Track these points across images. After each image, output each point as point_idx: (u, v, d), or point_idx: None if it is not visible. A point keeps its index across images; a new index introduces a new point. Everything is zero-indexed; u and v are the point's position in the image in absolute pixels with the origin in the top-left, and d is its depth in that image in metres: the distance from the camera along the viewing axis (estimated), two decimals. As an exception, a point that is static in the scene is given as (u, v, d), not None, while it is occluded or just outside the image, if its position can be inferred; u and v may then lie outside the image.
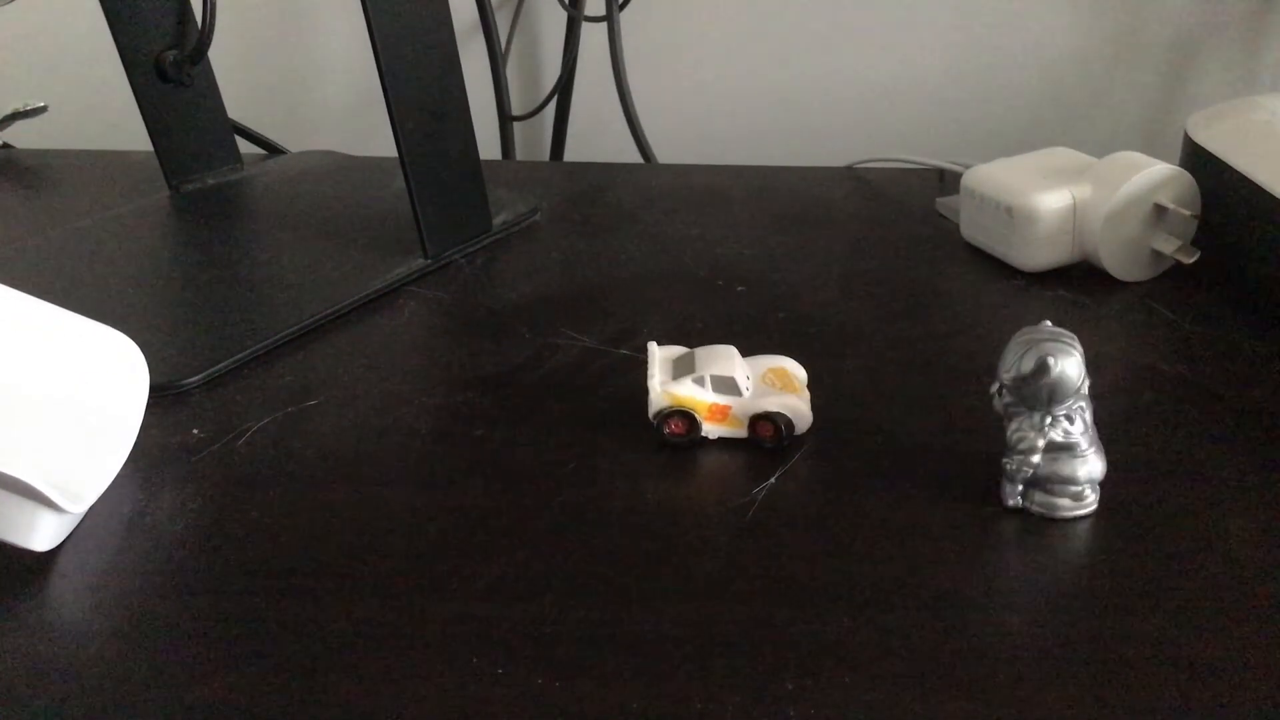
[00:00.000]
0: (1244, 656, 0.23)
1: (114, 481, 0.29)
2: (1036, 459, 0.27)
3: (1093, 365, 0.35)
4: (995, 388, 0.28)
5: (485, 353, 0.36)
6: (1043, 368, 0.26)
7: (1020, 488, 0.27)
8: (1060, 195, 0.39)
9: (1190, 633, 0.24)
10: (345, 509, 0.28)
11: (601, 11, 0.60)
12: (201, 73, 0.50)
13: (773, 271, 0.42)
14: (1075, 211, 0.40)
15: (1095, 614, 0.24)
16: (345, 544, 0.27)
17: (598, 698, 0.22)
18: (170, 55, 0.48)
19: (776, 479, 0.29)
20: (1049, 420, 0.27)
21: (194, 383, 0.34)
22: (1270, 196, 0.37)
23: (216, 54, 0.50)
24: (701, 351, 0.31)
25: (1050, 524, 0.27)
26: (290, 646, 0.23)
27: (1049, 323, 0.27)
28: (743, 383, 0.30)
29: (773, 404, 0.30)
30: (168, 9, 0.48)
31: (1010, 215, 0.40)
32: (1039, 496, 0.27)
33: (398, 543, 0.27)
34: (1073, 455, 0.27)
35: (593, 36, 0.63)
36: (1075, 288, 0.40)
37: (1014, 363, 0.27)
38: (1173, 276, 0.41)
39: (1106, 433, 0.31)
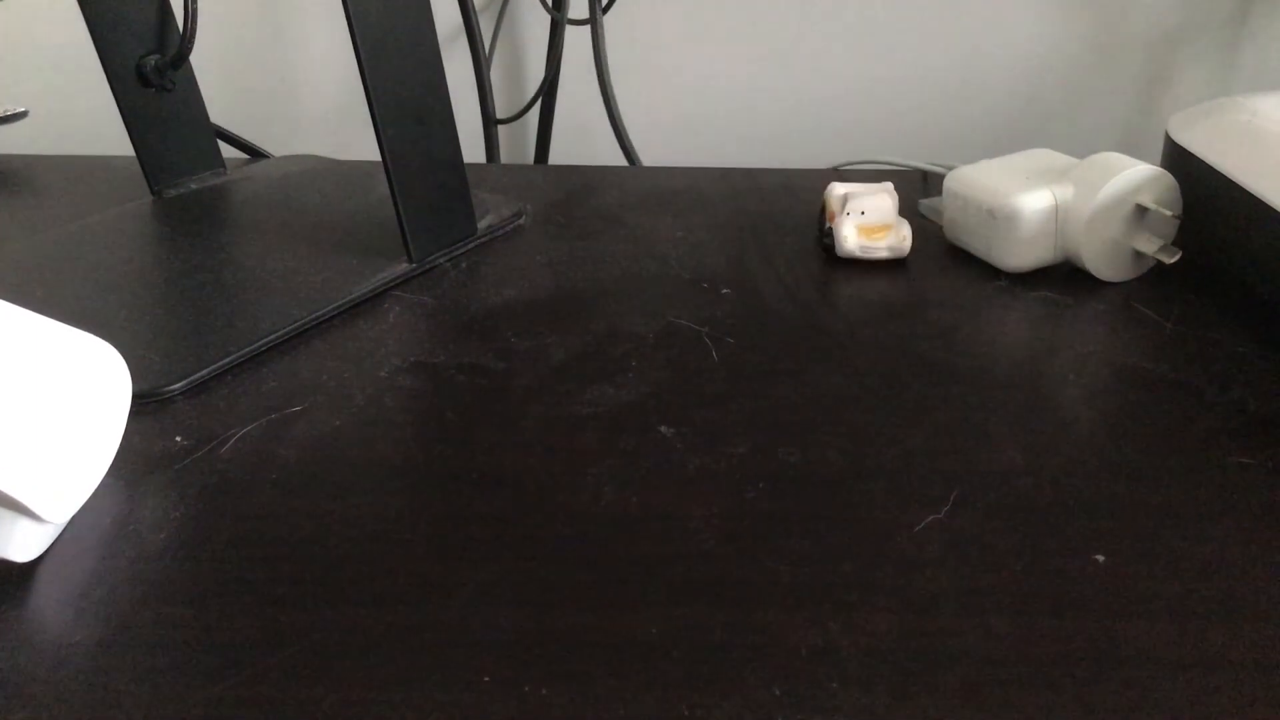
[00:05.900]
0: (1229, 655, 0.23)
1: (96, 490, 0.28)
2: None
3: (1076, 366, 0.35)
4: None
5: (470, 356, 0.36)
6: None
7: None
8: (1042, 196, 0.40)
9: (1178, 634, 0.24)
10: (330, 515, 0.28)
11: (585, 14, 0.60)
12: (183, 77, 0.50)
13: (757, 274, 0.42)
14: (1057, 212, 0.40)
15: (1082, 617, 0.24)
16: (330, 551, 0.26)
17: (584, 704, 0.22)
18: (151, 60, 0.48)
19: (764, 483, 0.29)
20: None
21: (176, 390, 0.34)
22: (1251, 196, 0.37)
23: (198, 58, 0.50)
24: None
25: (1033, 524, 0.27)
26: (274, 657, 0.23)
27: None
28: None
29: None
30: (149, 13, 0.48)
31: (992, 216, 0.41)
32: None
33: (383, 550, 0.27)
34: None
35: (576, 39, 0.63)
36: (1058, 288, 0.40)
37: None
38: (1155, 276, 0.41)
39: (1090, 433, 0.31)
